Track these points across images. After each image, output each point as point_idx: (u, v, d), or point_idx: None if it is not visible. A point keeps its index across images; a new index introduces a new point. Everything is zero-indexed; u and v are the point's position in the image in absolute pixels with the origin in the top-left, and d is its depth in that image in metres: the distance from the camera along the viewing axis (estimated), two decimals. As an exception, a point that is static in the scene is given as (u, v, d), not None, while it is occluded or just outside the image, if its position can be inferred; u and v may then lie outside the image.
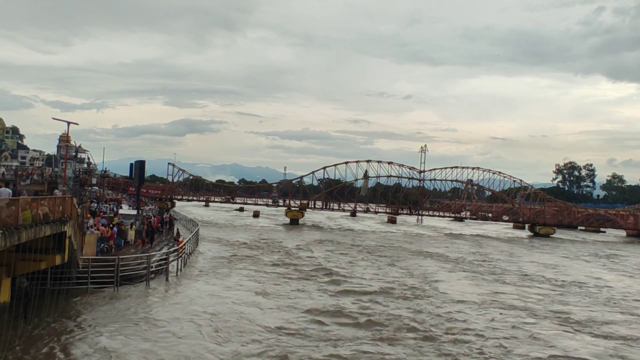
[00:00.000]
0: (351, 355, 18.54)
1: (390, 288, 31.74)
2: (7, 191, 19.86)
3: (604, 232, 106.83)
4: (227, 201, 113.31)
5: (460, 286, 34.36)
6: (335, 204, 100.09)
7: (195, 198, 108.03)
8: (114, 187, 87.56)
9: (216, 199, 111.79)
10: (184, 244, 36.62)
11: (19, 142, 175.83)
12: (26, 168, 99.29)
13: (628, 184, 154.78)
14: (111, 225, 35.36)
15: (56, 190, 41.88)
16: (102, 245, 31.27)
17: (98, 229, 32.50)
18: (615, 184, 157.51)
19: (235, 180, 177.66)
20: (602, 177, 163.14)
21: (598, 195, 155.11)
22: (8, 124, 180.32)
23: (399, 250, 54.37)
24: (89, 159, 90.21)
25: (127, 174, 69.94)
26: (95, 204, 50.40)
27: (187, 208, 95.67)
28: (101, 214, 41.42)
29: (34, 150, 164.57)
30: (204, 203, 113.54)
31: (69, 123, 40.00)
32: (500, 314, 26.92)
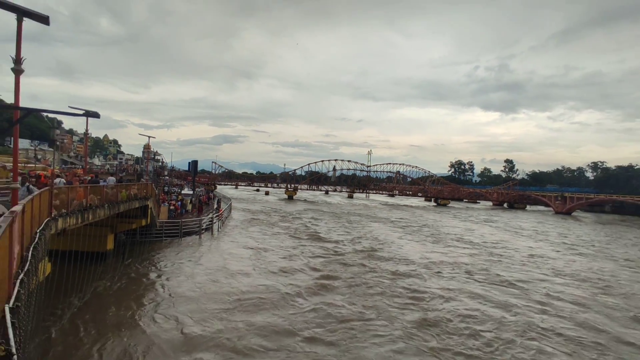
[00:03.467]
0: (324, 268, 18.84)
1: (350, 235, 32.14)
2: (112, 179, 19.85)
3: (479, 202, 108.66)
4: (249, 185, 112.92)
5: (394, 234, 34.81)
6: (315, 187, 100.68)
7: (229, 184, 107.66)
8: (178, 177, 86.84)
9: (242, 184, 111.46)
10: (223, 212, 36.69)
11: (118, 149, 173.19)
12: (123, 165, 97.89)
13: (493, 173, 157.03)
14: (177, 200, 35.37)
15: (142, 179, 41.56)
16: (172, 212, 31.37)
17: (169, 203, 32.53)
18: (486, 174, 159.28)
19: (254, 172, 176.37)
20: (478, 169, 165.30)
21: (475, 181, 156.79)
22: (111, 138, 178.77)
23: (355, 215, 54.85)
24: (162, 159, 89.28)
25: (186, 169, 69.49)
26: (167, 187, 50.14)
27: (224, 190, 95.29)
28: (171, 195, 41.31)
29: (128, 154, 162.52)
30: (234, 186, 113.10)
31: (149, 137, 39.58)
32: (422, 245, 27.30)
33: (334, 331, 12.37)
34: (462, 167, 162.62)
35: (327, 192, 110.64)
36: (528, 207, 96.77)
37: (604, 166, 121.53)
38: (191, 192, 46.46)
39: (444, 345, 11.69)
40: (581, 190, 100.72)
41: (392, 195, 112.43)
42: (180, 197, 38.81)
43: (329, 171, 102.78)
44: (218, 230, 31.66)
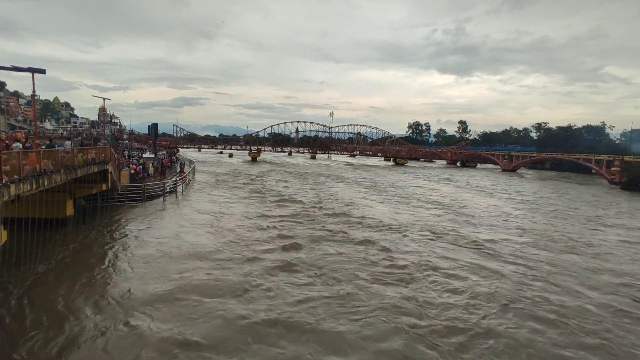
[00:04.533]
0: (290, 233, 18.85)
1: (316, 196, 32.45)
2: (69, 144, 18.71)
3: (435, 162, 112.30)
4: (212, 148, 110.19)
5: (360, 194, 35.49)
6: (279, 148, 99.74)
7: (192, 146, 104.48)
8: (138, 140, 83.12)
9: (205, 147, 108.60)
10: (186, 174, 35.78)
11: (71, 112, 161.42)
12: (78, 129, 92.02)
13: (448, 134, 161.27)
14: (138, 164, 34.00)
15: (99, 143, 39.44)
16: (133, 176, 30.18)
17: (130, 167, 31.22)
18: (441, 135, 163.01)
19: (217, 135, 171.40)
20: (434, 130, 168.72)
21: (432, 141, 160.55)
22: (62, 100, 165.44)
23: (320, 176, 55.21)
24: (120, 122, 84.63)
25: (147, 132, 66.47)
26: (127, 151, 47.98)
27: (187, 153, 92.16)
28: (132, 158, 39.63)
29: (82, 118, 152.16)
30: (197, 149, 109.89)
31: (104, 99, 37.22)
32: (389, 206, 28.03)
33: (299, 308, 10.96)
34: (420, 128, 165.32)
35: (290, 154, 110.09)
36: (479, 166, 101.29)
37: (547, 127, 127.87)
38: (153, 156, 44.72)
39: (424, 319, 10.72)
40: (525, 149, 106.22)
41: (353, 156, 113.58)
42: (141, 161, 37.31)
43: (291, 133, 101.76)
44: (182, 193, 30.96)
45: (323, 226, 21.30)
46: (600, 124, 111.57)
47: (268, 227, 20.60)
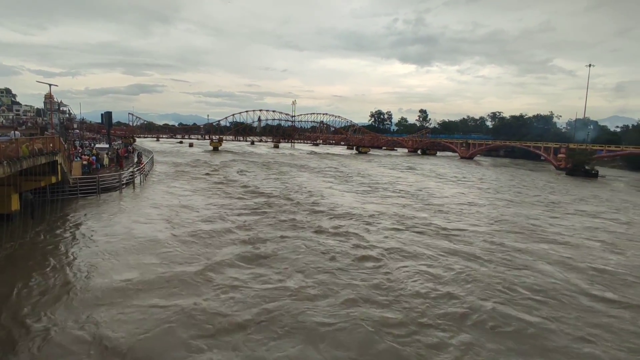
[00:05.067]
0: (255, 226, 18.45)
1: (282, 186, 32.10)
2: (17, 134, 17.32)
3: (396, 150, 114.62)
4: (171, 137, 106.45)
5: (326, 184, 35.52)
6: (241, 137, 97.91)
7: (149, 136, 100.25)
8: (91, 130, 78.77)
9: (163, 136, 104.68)
10: (144, 165, 34.34)
11: (12, 99, 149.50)
12: (21, 118, 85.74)
13: (409, 122, 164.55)
14: (91, 155, 32.19)
15: (46, 132, 36.94)
16: (86, 168, 28.55)
17: (81, 158, 29.49)
18: (402, 123, 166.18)
19: (176, 124, 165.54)
20: (396, 119, 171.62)
21: (393, 130, 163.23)
22: (1, 86, 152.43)
23: (285, 165, 54.76)
24: (69, 111, 79.51)
25: (99, 121, 63.02)
26: (79, 141, 45.32)
27: (144, 143, 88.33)
28: (84, 149, 37.45)
29: (26, 105, 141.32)
30: (155, 139, 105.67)
31: (50, 85, 34.81)
32: (357, 196, 28.08)
33: (263, 309, 10.10)
34: (382, 116, 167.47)
35: (252, 143, 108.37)
36: (438, 153, 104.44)
37: (501, 116, 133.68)
38: (107, 146, 42.47)
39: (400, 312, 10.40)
40: (481, 137, 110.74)
41: (317, 145, 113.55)
42: (94, 151, 35.34)
43: (254, 122, 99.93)
44: (141, 185, 29.70)
45: (290, 218, 20.53)
46: (549, 114, 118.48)
47: (231, 220, 19.61)
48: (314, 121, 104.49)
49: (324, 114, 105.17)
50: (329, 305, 10.67)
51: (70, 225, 17.93)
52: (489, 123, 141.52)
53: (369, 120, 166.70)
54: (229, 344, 8.66)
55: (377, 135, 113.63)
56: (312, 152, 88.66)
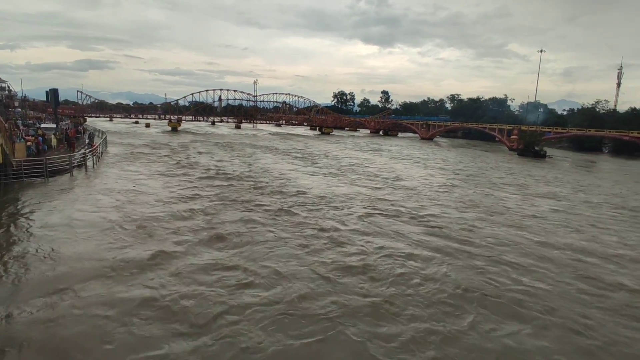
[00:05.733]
0: (217, 215, 17.58)
1: (247, 168, 31.18)
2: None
3: (359, 131, 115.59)
4: (126, 117, 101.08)
5: (292, 166, 34.87)
6: (201, 118, 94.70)
7: (101, 115, 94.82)
8: (34, 108, 73.15)
9: (117, 116, 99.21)
10: (97, 147, 32.42)
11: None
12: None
13: (371, 103, 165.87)
14: (37, 135, 29.91)
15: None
16: (32, 150, 26.48)
17: (25, 139, 27.32)
18: (365, 104, 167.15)
19: (131, 103, 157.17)
20: (358, 99, 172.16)
21: (356, 110, 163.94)
22: None
23: (248, 146, 53.55)
24: (9, 87, 73.29)
25: (44, 99, 58.58)
26: (21, 121, 41.97)
27: (96, 123, 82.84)
28: (28, 129, 34.73)
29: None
30: (108, 119, 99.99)
31: (-14, 60, 31.73)
32: (326, 179, 27.72)
33: (229, 320, 8.47)
34: (344, 97, 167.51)
35: (213, 123, 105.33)
36: (400, 134, 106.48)
37: (459, 98, 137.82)
38: (54, 126, 39.64)
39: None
40: (441, 119, 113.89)
41: (279, 125, 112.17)
42: (40, 131, 32.87)
43: (214, 101, 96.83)
44: (94, 167, 28.04)
45: (256, 204, 19.37)
46: (503, 97, 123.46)
47: (191, 206, 18.08)
48: (276, 101, 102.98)
49: (286, 94, 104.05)
50: (290, 293, 9.80)
51: (8, 212, 16.40)
52: (448, 105, 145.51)
53: (332, 101, 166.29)
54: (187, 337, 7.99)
55: (340, 116, 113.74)
56: (275, 133, 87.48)
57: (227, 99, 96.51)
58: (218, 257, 12.18)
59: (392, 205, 20.78)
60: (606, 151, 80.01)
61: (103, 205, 17.69)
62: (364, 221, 17.18)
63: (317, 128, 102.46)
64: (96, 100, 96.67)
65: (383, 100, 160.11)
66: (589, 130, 67.80)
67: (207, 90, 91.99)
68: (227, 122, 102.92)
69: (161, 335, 7.96)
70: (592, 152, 76.95)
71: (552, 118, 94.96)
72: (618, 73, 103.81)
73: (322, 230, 15.54)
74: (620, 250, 15.20)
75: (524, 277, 11.77)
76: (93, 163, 28.76)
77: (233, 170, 30.06)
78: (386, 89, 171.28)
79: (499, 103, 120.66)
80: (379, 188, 25.86)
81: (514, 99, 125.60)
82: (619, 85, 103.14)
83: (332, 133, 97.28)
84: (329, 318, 8.88)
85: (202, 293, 9.69)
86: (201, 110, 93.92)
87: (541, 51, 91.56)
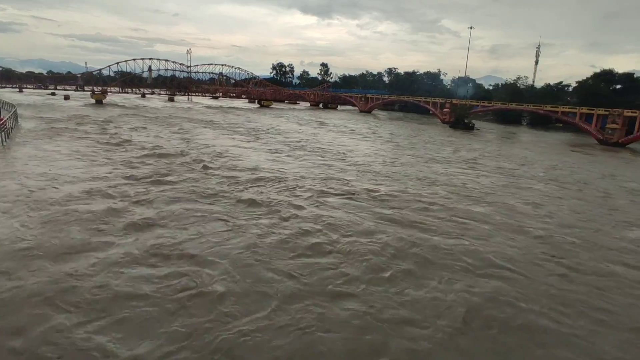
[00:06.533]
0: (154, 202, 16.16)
1: (186, 146, 29.36)
2: None
3: (299, 103, 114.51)
4: (39, 87, 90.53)
5: (230, 140, 33.46)
6: (129, 89, 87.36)
7: (8, 86, 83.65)
8: None
9: (29, 86, 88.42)
10: (5, 121, 28.62)
11: None
12: None
13: (311, 76, 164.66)
14: None
15: None
16: None
17: None
18: (305, 77, 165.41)
19: (44, 72, 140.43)
20: (298, 72, 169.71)
21: (296, 83, 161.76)
22: None
23: (184, 120, 50.65)
24: None
25: None
26: None
27: (4, 95, 72.34)
28: None
29: None
30: (18, 89, 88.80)
31: None
32: (271, 155, 26.75)
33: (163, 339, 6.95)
34: (284, 69, 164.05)
35: (144, 95, 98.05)
36: (339, 107, 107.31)
37: (396, 72, 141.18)
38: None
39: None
40: (379, 92, 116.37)
41: (216, 98, 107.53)
42: None
43: (143, 72, 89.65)
44: (3, 144, 24.84)
45: (198, 186, 17.41)
46: (437, 71, 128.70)
47: (121, 192, 15.81)
48: (212, 72, 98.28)
49: (223, 65, 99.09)
50: (251, 293, 8.78)
51: None
52: (385, 78, 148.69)
53: (271, 73, 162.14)
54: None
55: (279, 88, 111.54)
56: (212, 106, 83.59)
57: (158, 70, 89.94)
58: (148, 253, 10.37)
59: (346, 183, 19.83)
60: (525, 123, 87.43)
61: (9, 194, 14.71)
62: (319, 202, 16.23)
63: (256, 101, 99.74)
64: (1, 69, 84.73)
65: (322, 72, 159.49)
66: (511, 104, 73.22)
67: (134, 60, 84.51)
68: (159, 94, 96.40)
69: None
70: (514, 124, 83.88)
71: (480, 92, 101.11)
72: (536, 51, 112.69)
73: (271, 212, 14.57)
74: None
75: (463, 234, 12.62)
76: (2, 139, 25.43)
77: (169, 148, 27.71)
78: (325, 61, 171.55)
79: (433, 77, 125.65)
80: (330, 165, 24.89)
81: (446, 74, 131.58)
82: (537, 62, 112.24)
83: (272, 106, 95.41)
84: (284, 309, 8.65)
85: (131, 300, 8.20)
86: (129, 81, 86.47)
87: (471, 28, 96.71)
